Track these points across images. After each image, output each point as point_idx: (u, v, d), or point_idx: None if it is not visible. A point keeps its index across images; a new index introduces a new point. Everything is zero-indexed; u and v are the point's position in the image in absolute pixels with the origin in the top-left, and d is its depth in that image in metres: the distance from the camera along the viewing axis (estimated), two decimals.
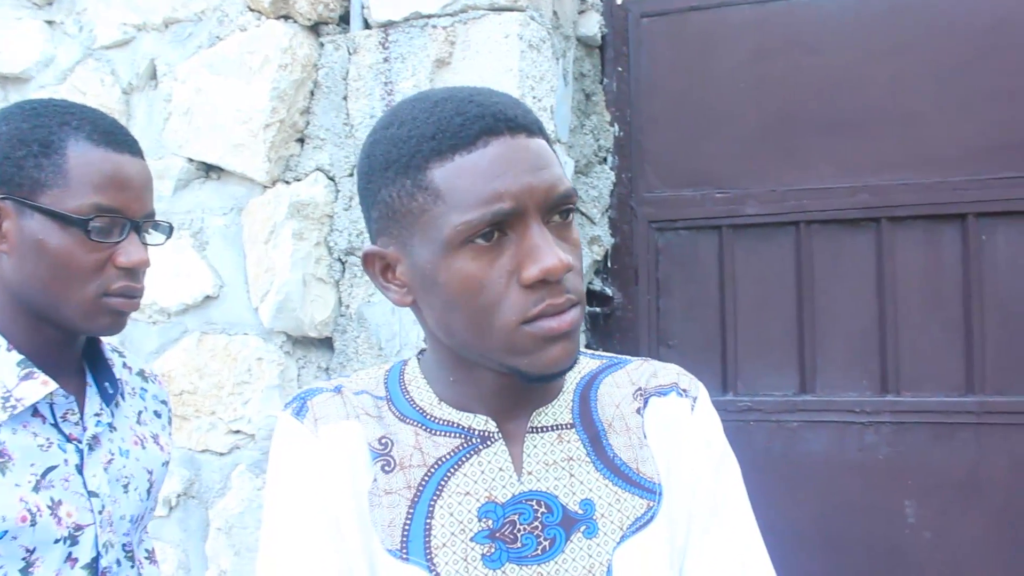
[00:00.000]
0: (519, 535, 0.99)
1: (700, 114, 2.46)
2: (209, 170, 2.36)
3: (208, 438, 2.29)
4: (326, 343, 2.26)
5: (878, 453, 2.32)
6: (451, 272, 0.92)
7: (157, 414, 1.47)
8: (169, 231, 1.36)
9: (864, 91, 2.34)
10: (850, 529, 2.33)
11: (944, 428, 2.28)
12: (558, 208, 0.94)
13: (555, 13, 2.24)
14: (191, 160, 2.35)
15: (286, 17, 2.25)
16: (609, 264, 2.50)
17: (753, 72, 2.42)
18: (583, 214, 2.44)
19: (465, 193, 0.90)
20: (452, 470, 1.00)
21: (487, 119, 0.91)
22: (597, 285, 2.48)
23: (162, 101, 2.38)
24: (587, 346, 2.48)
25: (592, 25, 2.45)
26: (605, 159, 2.50)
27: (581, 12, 2.46)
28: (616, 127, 2.51)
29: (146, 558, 1.44)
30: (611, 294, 2.48)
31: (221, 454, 2.29)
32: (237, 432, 2.26)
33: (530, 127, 0.94)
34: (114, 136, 1.25)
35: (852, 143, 2.34)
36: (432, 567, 0.96)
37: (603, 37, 2.52)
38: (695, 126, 2.46)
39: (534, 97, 2.07)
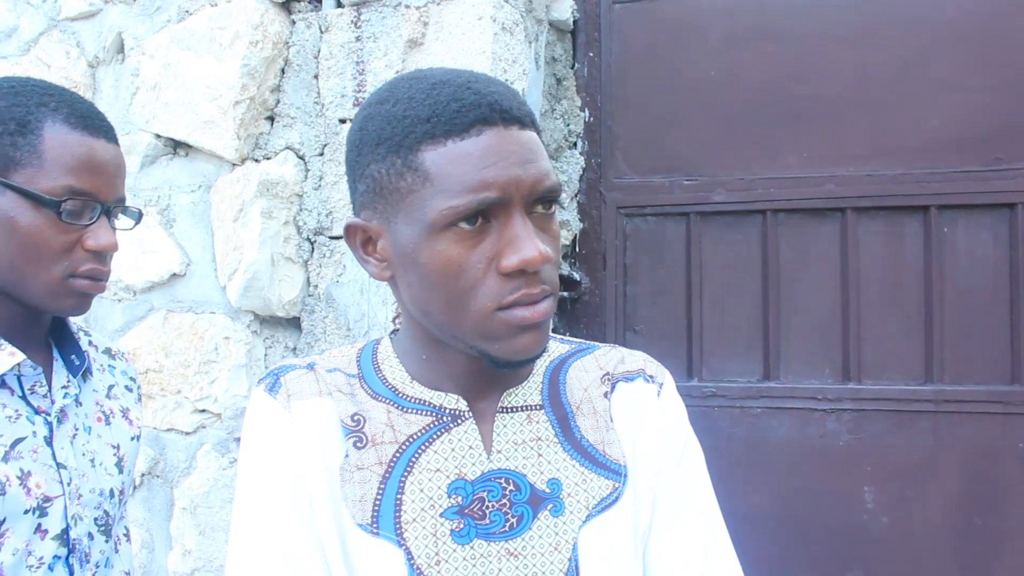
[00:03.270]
0: (487, 511, 1.01)
1: (670, 101, 2.47)
2: (177, 146, 2.34)
3: (173, 417, 2.27)
4: (294, 323, 2.25)
5: (839, 440, 2.35)
6: (432, 253, 0.94)
7: (128, 389, 1.49)
8: (138, 217, 1.39)
9: (832, 81, 2.36)
10: (810, 513, 2.36)
11: (903, 416, 2.32)
12: (542, 200, 0.96)
13: None
14: (159, 136, 2.33)
15: None
16: (577, 249, 2.51)
17: (723, 60, 2.43)
18: None
19: (454, 179, 0.92)
20: (423, 447, 1.02)
21: (483, 108, 0.93)
22: (565, 270, 2.49)
23: (129, 75, 2.35)
24: (554, 330, 2.49)
25: (564, 9, 2.46)
26: (575, 144, 2.51)
27: None
28: (586, 112, 2.52)
29: (124, 534, 1.45)
30: (579, 279, 2.49)
31: (187, 433, 2.27)
32: (203, 411, 2.25)
33: (523, 119, 0.96)
34: (91, 121, 1.27)
35: (819, 133, 2.36)
36: (402, 542, 0.98)
37: (575, 22, 2.52)
38: (665, 113, 2.47)
39: (506, 80, 2.07)
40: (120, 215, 1.33)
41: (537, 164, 0.95)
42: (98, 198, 1.25)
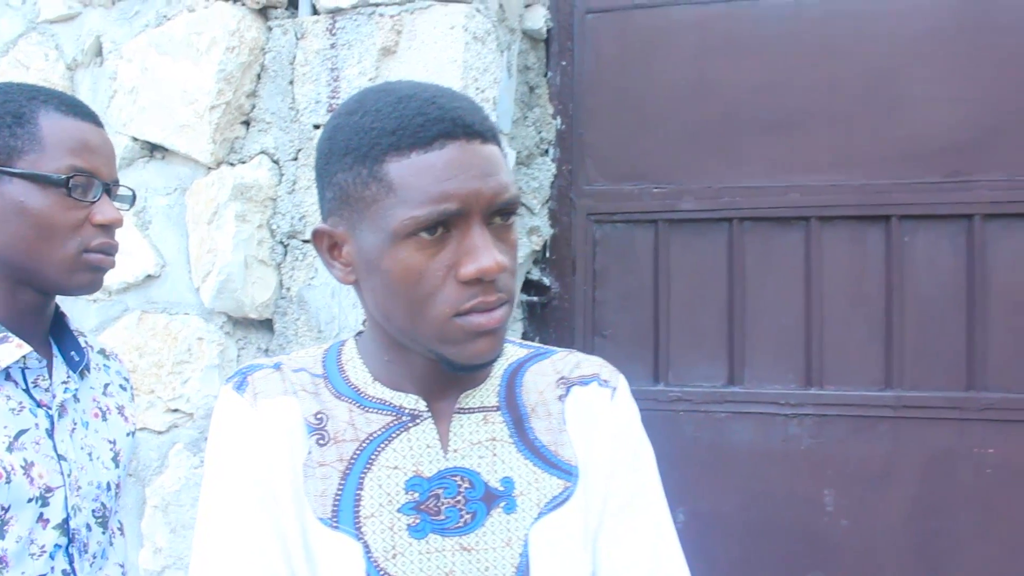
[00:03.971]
0: (443, 508, 1.05)
1: (640, 110, 2.52)
2: (153, 149, 2.37)
3: (147, 416, 2.30)
4: (266, 324, 2.29)
5: (800, 444, 2.40)
6: (394, 260, 0.98)
7: (122, 387, 1.54)
8: (132, 199, 1.47)
9: (798, 93, 2.41)
10: (772, 516, 2.42)
11: (863, 421, 2.37)
12: (501, 212, 1.00)
13: (501, 6, 2.28)
14: (135, 139, 2.36)
15: None
16: (547, 254, 2.56)
17: (693, 71, 2.48)
18: (522, 204, 2.49)
19: (416, 190, 0.96)
20: (382, 445, 1.06)
21: (446, 123, 0.97)
22: (535, 275, 2.54)
23: (107, 79, 2.38)
24: (524, 334, 2.53)
25: (538, 19, 2.50)
26: (547, 151, 2.56)
27: (527, 6, 2.50)
28: (558, 120, 2.56)
29: (118, 528, 1.50)
30: (548, 284, 2.54)
31: (159, 432, 2.31)
32: (176, 411, 2.28)
33: (485, 134, 1.00)
34: (80, 108, 1.34)
35: (785, 144, 2.42)
36: (360, 535, 1.02)
37: (549, 31, 2.57)
38: (635, 122, 2.52)
39: (477, 88, 2.11)
40: (116, 199, 1.39)
41: (497, 177, 0.99)
42: (99, 176, 1.31)
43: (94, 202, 1.31)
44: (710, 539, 2.45)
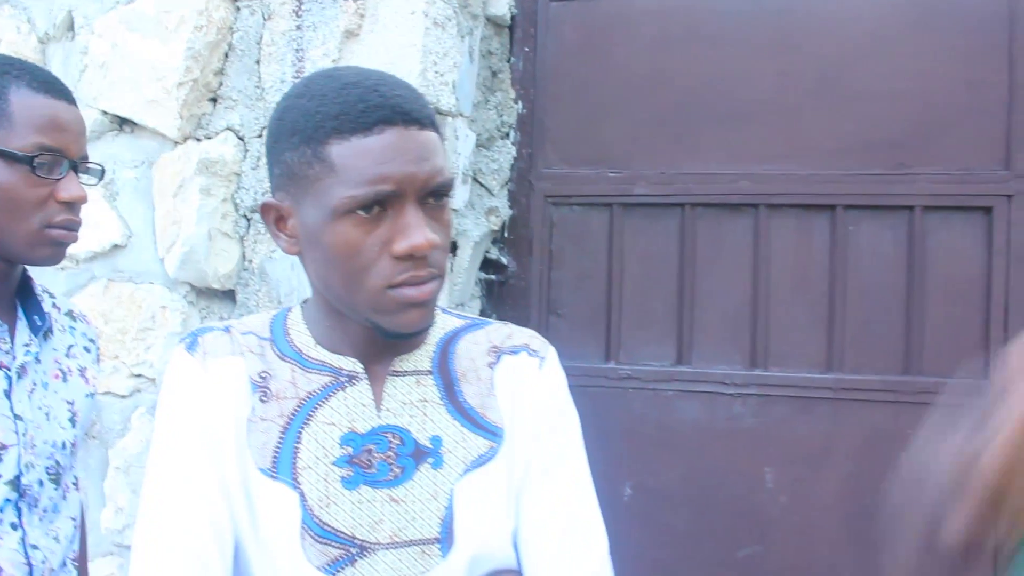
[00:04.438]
0: (374, 462, 1.13)
1: (600, 97, 2.60)
2: (123, 123, 2.43)
3: (111, 381, 2.38)
4: (229, 295, 2.36)
5: (744, 423, 2.50)
6: (334, 235, 1.06)
7: (87, 349, 1.60)
8: (101, 174, 1.51)
9: (752, 85, 2.49)
10: (714, 491, 2.51)
11: (804, 402, 2.46)
12: (434, 194, 1.08)
13: None
14: (105, 113, 2.42)
15: None
16: (506, 234, 2.63)
17: (651, 60, 2.56)
18: (482, 185, 2.57)
19: (355, 171, 1.04)
20: (320, 403, 1.15)
21: (385, 110, 1.05)
22: (494, 254, 2.62)
23: (79, 53, 2.44)
24: (481, 311, 2.62)
25: (502, 5, 2.57)
26: (507, 134, 2.63)
27: None
28: (520, 104, 2.64)
29: (73, 483, 1.56)
30: (506, 263, 2.62)
31: (123, 396, 2.38)
32: (139, 376, 2.36)
33: (423, 121, 1.08)
34: (52, 85, 1.38)
35: (738, 133, 2.50)
36: (296, 485, 1.11)
37: (513, 18, 2.64)
38: (594, 108, 2.60)
39: (436, 72, 2.19)
40: (84, 173, 1.44)
41: (431, 161, 1.07)
42: (66, 154, 1.36)
43: (59, 179, 1.36)
44: (655, 512, 2.54)
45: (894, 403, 2.42)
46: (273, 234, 1.16)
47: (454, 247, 2.44)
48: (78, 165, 1.41)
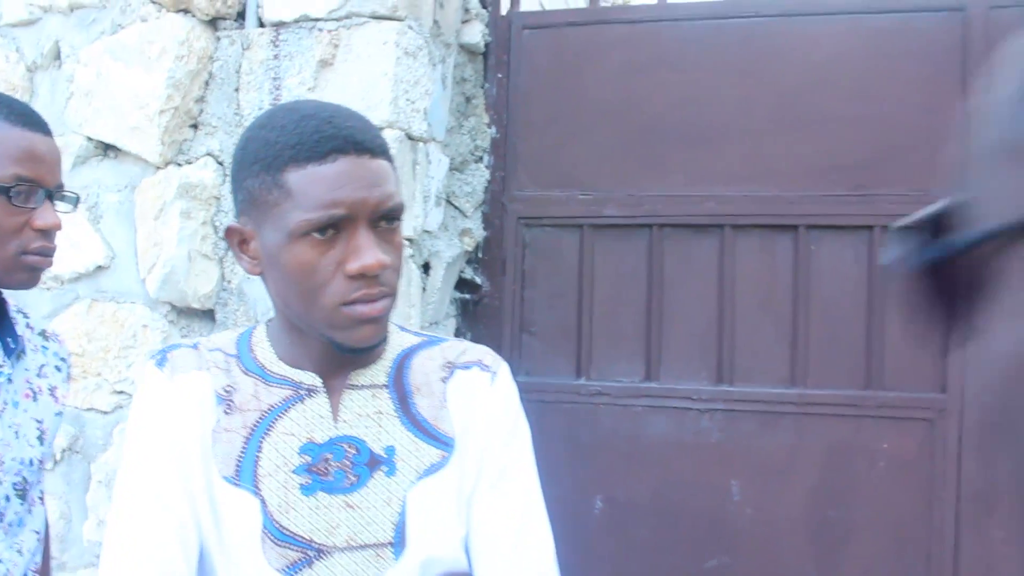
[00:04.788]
0: (331, 470, 1.21)
1: (570, 121, 2.68)
2: (107, 149, 2.52)
3: (93, 397, 2.45)
4: (208, 314, 2.44)
5: (711, 437, 2.57)
6: (291, 256, 1.15)
7: (58, 368, 1.66)
8: (76, 201, 1.58)
9: (716, 109, 2.58)
10: (682, 503, 2.58)
11: (769, 417, 2.54)
12: (385, 217, 1.17)
13: (436, 22, 2.44)
14: (90, 139, 2.50)
15: (185, 11, 2.42)
16: (480, 255, 2.71)
17: (620, 86, 2.65)
18: (456, 207, 2.65)
19: (310, 197, 1.13)
20: (281, 415, 1.23)
21: (339, 140, 1.14)
22: (468, 273, 2.70)
23: (65, 81, 2.53)
24: (456, 329, 2.69)
25: (475, 34, 2.66)
26: (481, 158, 2.72)
27: (465, 21, 2.66)
28: (493, 129, 2.72)
29: (39, 498, 1.62)
30: (480, 282, 2.70)
31: (105, 412, 2.45)
32: (121, 392, 2.43)
33: (374, 150, 1.17)
34: (29, 118, 1.45)
35: (703, 156, 2.58)
36: (258, 491, 1.19)
37: (486, 45, 2.73)
38: (565, 132, 2.68)
39: (408, 99, 2.27)
40: (60, 200, 1.51)
41: (382, 188, 1.16)
42: (41, 184, 1.43)
43: (35, 208, 1.43)
44: (625, 524, 2.61)
45: (856, 417, 2.50)
46: (237, 256, 1.25)
47: (427, 267, 2.52)
48: (53, 194, 1.47)
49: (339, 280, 1.15)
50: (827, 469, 2.51)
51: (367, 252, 1.13)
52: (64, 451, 2.50)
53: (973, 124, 0.41)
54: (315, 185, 1.13)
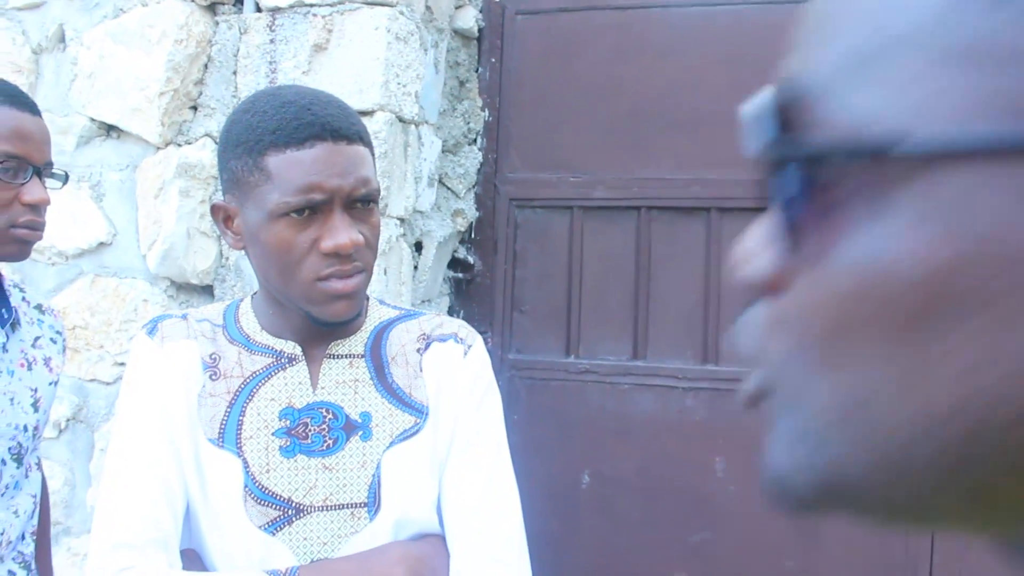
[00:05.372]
0: (310, 434, 1.29)
1: (562, 105, 2.74)
2: (110, 129, 2.59)
3: (96, 369, 2.54)
4: (207, 290, 2.52)
5: (696, 415, 2.63)
6: (270, 234, 1.23)
7: (53, 340, 1.74)
8: (65, 179, 1.67)
9: (703, 94, 2.63)
10: (667, 480, 2.64)
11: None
12: (361, 200, 1.24)
13: (428, 8, 2.51)
14: (93, 119, 2.58)
15: None
16: (472, 235, 2.78)
17: (610, 70, 2.70)
18: (449, 188, 2.72)
19: (289, 180, 1.20)
20: (263, 381, 1.31)
21: (316, 127, 1.22)
22: (461, 253, 2.77)
23: (69, 63, 2.60)
24: (450, 307, 2.77)
25: (469, 19, 2.72)
26: (474, 140, 2.78)
27: (459, 7, 2.73)
28: (486, 112, 2.79)
29: (36, 464, 1.71)
30: (472, 262, 2.77)
31: (107, 383, 2.54)
32: (122, 364, 2.51)
33: (351, 137, 1.25)
34: (17, 98, 1.53)
35: (690, 140, 2.63)
36: (240, 453, 1.27)
37: (480, 30, 2.78)
38: (556, 116, 2.74)
39: (399, 83, 2.34)
40: (50, 177, 1.60)
41: (357, 173, 1.23)
42: (30, 161, 1.51)
43: (24, 184, 1.51)
44: (611, 499, 2.68)
45: None
46: (221, 231, 1.33)
47: (419, 246, 2.59)
48: (42, 171, 1.56)
49: (314, 257, 1.22)
50: None
51: (341, 232, 1.21)
52: (68, 420, 2.58)
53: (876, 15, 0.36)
54: (293, 169, 1.20)
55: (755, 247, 0.44)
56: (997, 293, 0.32)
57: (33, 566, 1.68)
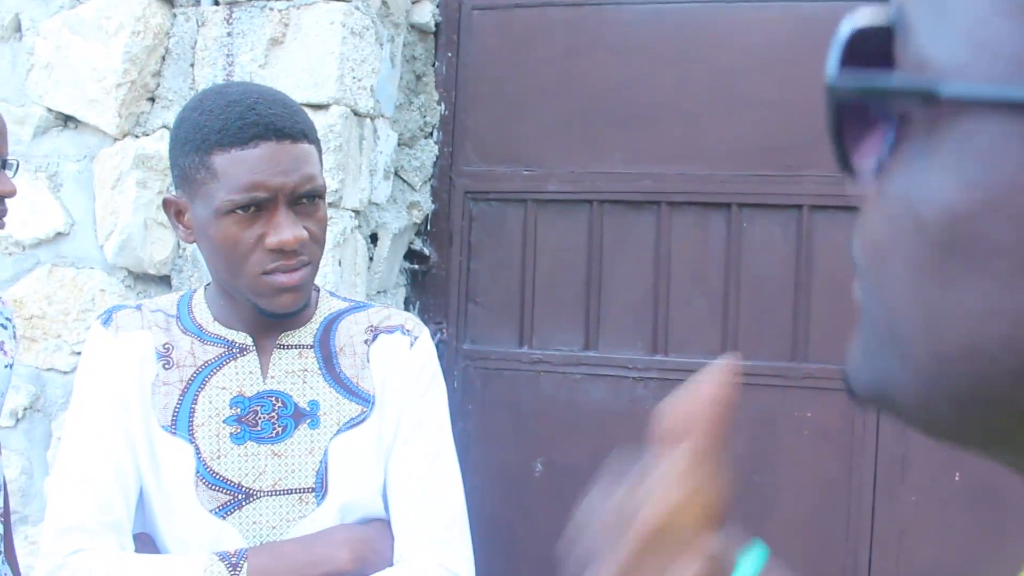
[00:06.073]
0: (260, 421, 1.34)
1: (516, 100, 2.79)
2: (67, 120, 2.61)
3: (53, 358, 2.56)
4: (164, 280, 2.54)
5: (646, 404, 2.69)
6: (217, 230, 1.27)
7: (3, 326, 1.78)
8: (16, 167, 1.69)
9: (654, 91, 2.69)
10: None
11: None
12: (306, 196, 1.29)
13: (384, 3, 2.54)
14: (50, 110, 2.59)
15: None
16: (428, 227, 2.83)
17: (564, 66, 2.75)
18: (404, 181, 2.77)
19: (234, 179, 1.25)
20: (215, 371, 1.35)
21: (260, 127, 1.26)
22: (417, 245, 2.81)
23: (25, 53, 2.61)
24: (406, 299, 2.81)
25: (426, 14, 2.76)
26: (431, 134, 2.82)
27: (416, 2, 2.76)
28: (442, 106, 2.83)
29: None
30: (428, 254, 2.82)
31: (64, 372, 2.56)
32: (79, 353, 2.52)
33: (295, 135, 1.29)
34: None
35: (641, 135, 2.69)
36: (192, 439, 1.32)
37: (437, 25, 2.82)
38: (511, 110, 2.79)
39: (354, 77, 2.38)
40: (7, 169, 1.63)
41: (301, 171, 1.28)
42: None
43: None
44: (563, 486, 2.74)
45: (783, 387, 2.62)
46: (174, 225, 1.37)
47: (375, 238, 2.63)
48: (5, 162, 1.60)
49: (260, 252, 1.27)
50: (755, 436, 2.63)
51: (285, 229, 1.26)
52: (25, 409, 2.60)
53: None
54: (238, 168, 1.25)
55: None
56: (1012, 244, 0.34)
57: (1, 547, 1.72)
